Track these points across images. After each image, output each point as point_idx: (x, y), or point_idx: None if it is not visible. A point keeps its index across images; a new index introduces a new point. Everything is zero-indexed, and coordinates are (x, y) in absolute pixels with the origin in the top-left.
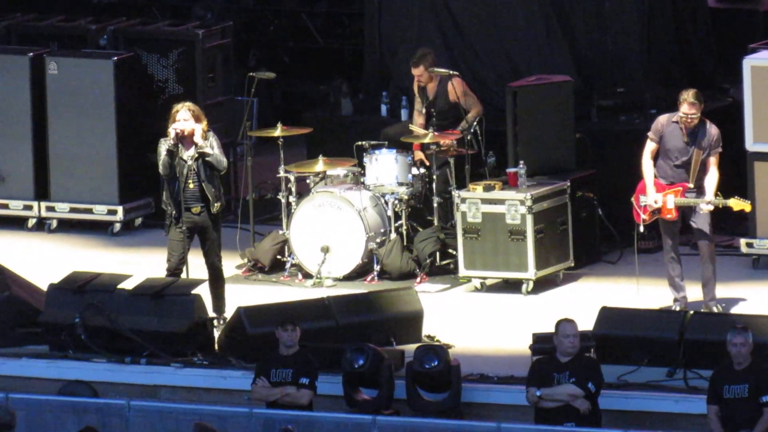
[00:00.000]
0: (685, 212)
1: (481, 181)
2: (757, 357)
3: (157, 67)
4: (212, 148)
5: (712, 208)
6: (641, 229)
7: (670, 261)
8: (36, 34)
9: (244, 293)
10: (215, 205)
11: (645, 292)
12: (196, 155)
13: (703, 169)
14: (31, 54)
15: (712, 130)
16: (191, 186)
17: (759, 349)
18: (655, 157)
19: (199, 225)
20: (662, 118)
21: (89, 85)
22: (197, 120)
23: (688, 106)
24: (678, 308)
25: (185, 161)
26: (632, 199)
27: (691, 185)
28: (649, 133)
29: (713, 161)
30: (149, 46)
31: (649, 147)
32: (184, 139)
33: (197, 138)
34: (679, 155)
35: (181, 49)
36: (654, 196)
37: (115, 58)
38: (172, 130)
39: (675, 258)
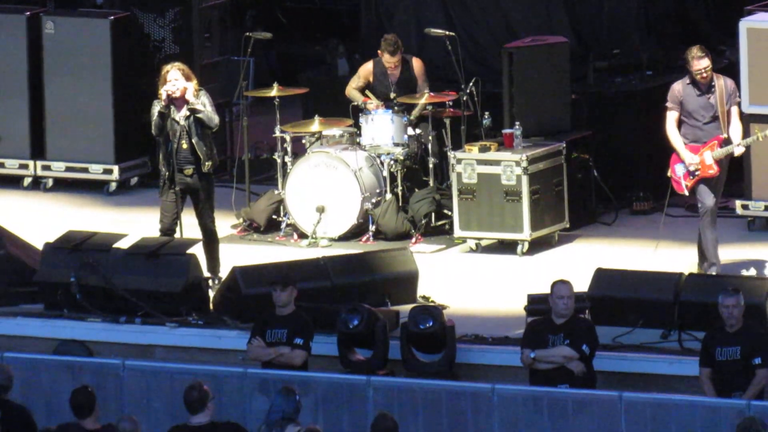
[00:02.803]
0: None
1: (476, 142)
2: (749, 319)
3: (153, 27)
4: (204, 106)
5: (744, 149)
6: (686, 192)
7: (710, 225)
8: None
9: (240, 253)
10: (206, 163)
11: (644, 254)
12: (188, 114)
13: (727, 120)
14: (28, 13)
15: (728, 81)
16: (184, 146)
17: (751, 311)
18: (679, 126)
19: (192, 187)
20: (676, 85)
21: (86, 45)
22: (187, 79)
23: (698, 61)
24: (714, 272)
25: (177, 121)
26: (668, 174)
27: (725, 135)
28: (668, 104)
29: (735, 111)
30: (146, 6)
31: (672, 116)
32: (176, 100)
33: (189, 96)
34: (705, 112)
35: (178, 8)
36: (690, 159)
37: (112, 17)
38: (163, 92)
39: (714, 221)
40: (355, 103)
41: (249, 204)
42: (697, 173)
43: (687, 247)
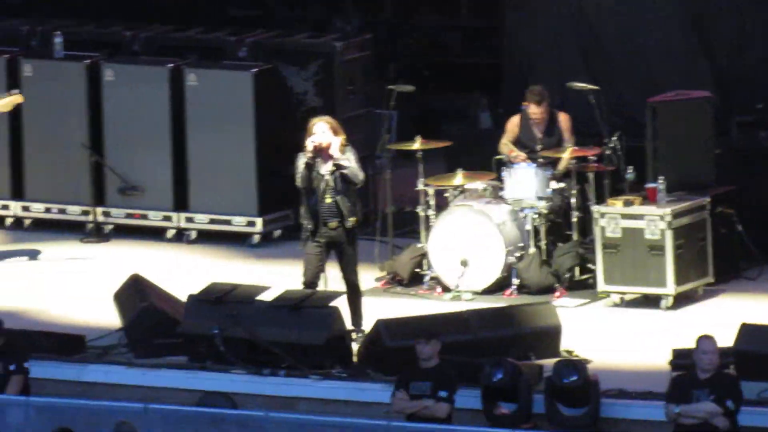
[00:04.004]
0: None
1: (620, 197)
2: None
3: (296, 80)
4: (350, 161)
5: None
6: None
7: None
8: (175, 45)
9: (383, 306)
10: (350, 219)
11: None
12: (333, 169)
13: None
14: (171, 65)
15: None
16: (328, 200)
17: None
18: None
19: (336, 240)
20: None
21: (228, 97)
22: (335, 133)
23: None
24: None
25: (322, 175)
26: None
27: None
28: None
29: None
30: (288, 59)
31: None
32: (322, 153)
33: (334, 151)
34: None
35: (320, 61)
36: None
37: (255, 70)
38: (309, 143)
39: None
40: (501, 157)
41: (392, 257)
42: None
43: None
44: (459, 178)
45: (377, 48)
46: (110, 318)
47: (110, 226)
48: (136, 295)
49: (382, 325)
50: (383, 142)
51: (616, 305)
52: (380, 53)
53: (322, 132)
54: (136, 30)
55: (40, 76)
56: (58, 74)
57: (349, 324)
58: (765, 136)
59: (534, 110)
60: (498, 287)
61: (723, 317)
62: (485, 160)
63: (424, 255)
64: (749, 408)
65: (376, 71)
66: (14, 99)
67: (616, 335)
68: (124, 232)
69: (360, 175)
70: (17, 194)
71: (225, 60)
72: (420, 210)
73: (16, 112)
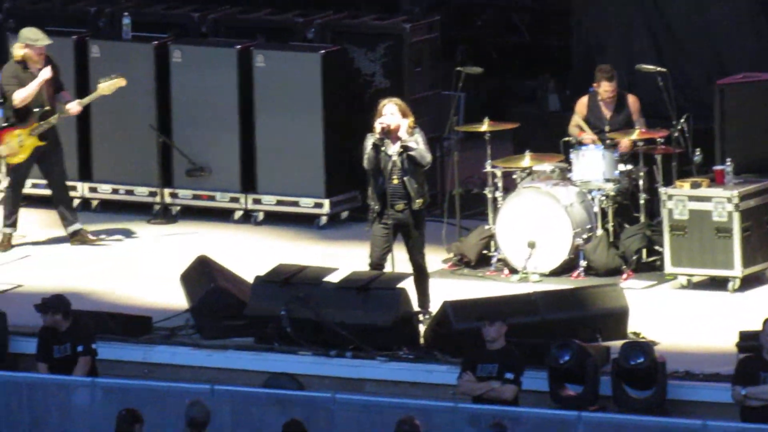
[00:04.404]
0: None
1: (688, 179)
2: None
3: (363, 61)
4: (417, 143)
5: None
6: None
7: None
8: (243, 26)
9: (450, 287)
10: (417, 201)
11: None
12: (401, 150)
13: None
14: (239, 47)
15: None
16: (395, 181)
17: None
18: None
19: (402, 222)
20: None
21: (296, 78)
22: (403, 115)
23: None
24: None
25: (390, 156)
26: None
27: None
28: None
29: None
30: (356, 40)
31: None
32: (390, 134)
33: (402, 133)
34: None
35: (389, 43)
36: None
37: (323, 51)
38: (378, 125)
39: None
40: (569, 139)
41: (460, 239)
42: None
43: None
44: (527, 159)
45: (445, 29)
46: (177, 299)
47: (177, 208)
48: (203, 276)
49: (449, 307)
50: (451, 124)
51: (683, 287)
52: (448, 35)
53: (390, 114)
54: (204, 11)
55: (107, 57)
56: (126, 56)
57: (416, 306)
58: None
59: (606, 87)
60: (565, 269)
61: None
62: (553, 142)
63: (491, 237)
64: None
65: (445, 53)
66: (117, 82)
67: (683, 317)
68: (191, 213)
69: (427, 157)
70: (85, 175)
71: (293, 41)
72: (488, 192)
73: (83, 94)
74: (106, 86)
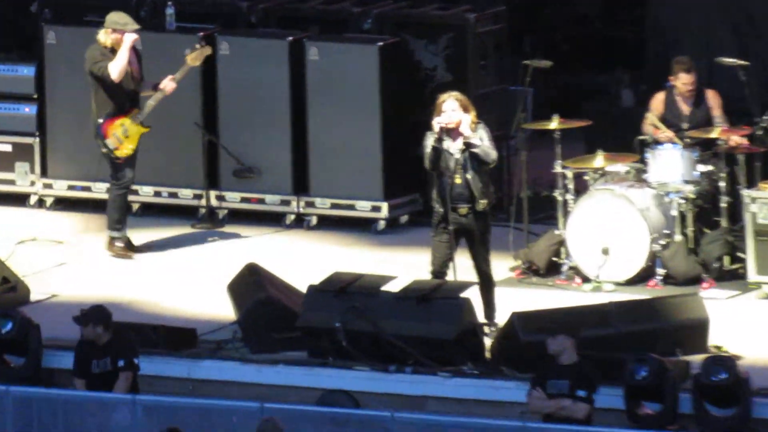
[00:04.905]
0: None
1: None
2: None
3: (424, 54)
4: (481, 139)
5: None
6: None
7: None
8: (295, 17)
9: (518, 297)
10: (481, 201)
11: None
12: (463, 147)
13: None
14: (291, 38)
15: None
16: (458, 181)
17: None
18: None
19: (466, 227)
20: None
21: (352, 72)
22: (465, 110)
23: None
24: None
25: (452, 154)
26: None
27: None
28: None
29: None
30: (416, 31)
31: None
32: (451, 132)
33: (465, 129)
34: None
35: (451, 34)
36: None
37: (380, 43)
38: (436, 125)
39: None
40: (644, 137)
41: (527, 245)
42: None
43: None
44: (599, 159)
45: (512, 20)
46: (224, 310)
47: (224, 211)
48: (251, 285)
49: (517, 319)
50: (518, 121)
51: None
52: (515, 26)
53: (451, 110)
54: (253, 0)
55: (149, 49)
56: (170, 48)
57: (481, 317)
58: None
59: (684, 79)
60: (641, 277)
61: None
62: (627, 141)
63: (561, 242)
64: None
65: (511, 45)
66: (203, 51)
67: None
68: (239, 217)
69: (492, 154)
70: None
71: (348, 33)
72: (557, 194)
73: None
74: (193, 57)
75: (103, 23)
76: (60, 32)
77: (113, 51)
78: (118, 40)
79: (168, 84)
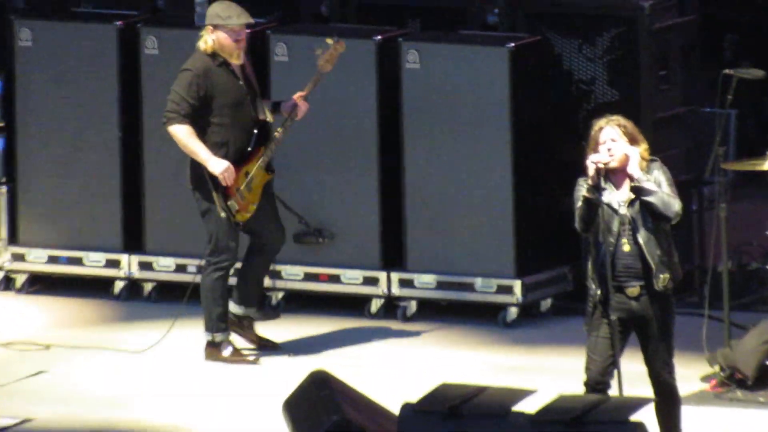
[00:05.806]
0: None
1: None
2: None
3: (577, 60)
4: (658, 185)
5: None
6: None
7: None
8: (386, 6)
9: (716, 419)
10: (661, 276)
11: None
12: (631, 197)
13: None
14: (379, 37)
15: None
16: (626, 248)
17: None
18: None
19: (638, 314)
20: None
21: (469, 86)
22: (632, 141)
23: None
24: None
25: (615, 210)
26: None
27: None
28: None
29: None
30: (565, 27)
31: None
32: (613, 175)
33: (633, 169)
34: None
35: (616, 31)
36: None
37: (512, 44)
38: (590, 165)
39: None
40: None
41: (728, 343)
42: None
43: None
44: None
45: (707, 11)
46: None
47: (280, 294)
48: (320, 402)
49: None
50: (716, 158)
51: None
52: (711, 20)
53: (611, 140)
54: None
55: (164, 51)
56: (193, 48)
57: None
58: None
59: None
60: None
61: None
62: None
63: None
64: None
65: (704, 47)
66: (337, 47)
67: None
68: (300, 302)
69: (675, 205)
70: (132, 246)
71: (464, 29)
72: None
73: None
74: (326, 59)
75: (102, 15)
76: (38, 29)
77: (214, 57)
78: (222, 42)
79: (302, 105)
